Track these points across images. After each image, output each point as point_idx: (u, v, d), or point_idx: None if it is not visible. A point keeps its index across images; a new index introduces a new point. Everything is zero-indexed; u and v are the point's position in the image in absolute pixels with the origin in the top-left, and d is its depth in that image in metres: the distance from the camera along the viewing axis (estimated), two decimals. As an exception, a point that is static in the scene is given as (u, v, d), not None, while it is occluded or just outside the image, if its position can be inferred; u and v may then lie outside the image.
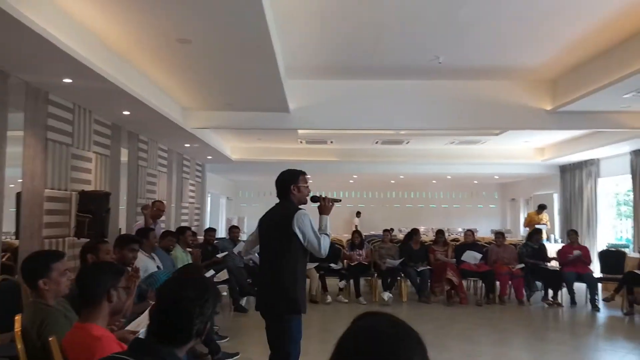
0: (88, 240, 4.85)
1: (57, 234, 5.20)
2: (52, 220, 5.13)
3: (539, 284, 7.89)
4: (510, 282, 7.71)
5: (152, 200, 6.42)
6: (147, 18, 3.94)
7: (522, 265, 7.78)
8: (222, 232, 12.83)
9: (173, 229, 8.57)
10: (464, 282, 7.94)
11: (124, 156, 7.07)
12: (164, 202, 7.00)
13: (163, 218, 8.21)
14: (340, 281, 7.90)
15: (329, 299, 7.73)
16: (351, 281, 7.80)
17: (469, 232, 8.60)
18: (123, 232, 7.15)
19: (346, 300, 7.65)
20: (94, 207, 5.37)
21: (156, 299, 1.60)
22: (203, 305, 1.54)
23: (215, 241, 7.75)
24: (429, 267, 7.86)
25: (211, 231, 7.41)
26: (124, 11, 3.84)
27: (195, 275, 1.75)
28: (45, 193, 4.98)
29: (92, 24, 4.16)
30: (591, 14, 4.73)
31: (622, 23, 4.94)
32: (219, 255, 6.96)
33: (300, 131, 8.91)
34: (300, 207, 3.15)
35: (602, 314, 7.06)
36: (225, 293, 6.21)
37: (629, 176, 9.42)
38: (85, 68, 4.27)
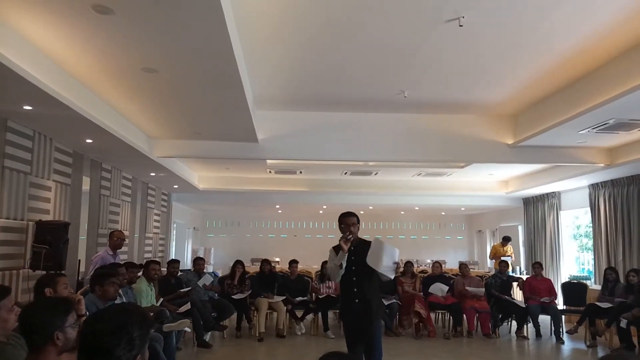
0: (44, 273, 4.64)
1: (11, 265, 4.96)
2: (6, 251, 4.90)
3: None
4: (477, 315, 7.74)
5: (111, 230, 6.21)
6: (112, 46, 3.90)
7: (482, 293, 7.82)
8: (188, 264, 12.52)
9: (136, 260, 8.34)
10: (432, 315, 7.93)
11: (85, 185, 6.87)
12: (124, 232, 6.80)
13: (125, 249, 7.98)
14: (306, 315, 7.79)
15: (303, 329, 7.66)
16: (319, 314, 7.69)
17: (437, 264, 8.64)
18: (82, 264, 6.88)
19: (299, 333, 7.61)
20: (51, 237, 5.15)
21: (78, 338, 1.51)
22: (122, 337, 1.41)
23: (180, 273, 7.53)
24: (397, 300, 7.83)
25: (174, 263, 7.20)
26: (88, 39, 3.78)
27: (116, 305, 1.62)
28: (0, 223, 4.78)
29: (54, 51, 4.08)
30: (549, 52, 4.95)
31: (578, 62, 5.19)
32: (183, 290, 6.76)
33: (269, 161, 8.88)
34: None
35: (567, 346, 7.13)
36: (188, 329, 5.99)
37: (589, 209, 9.72)
38: (46, 95, 4.17)
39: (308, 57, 5.10)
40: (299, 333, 7.63)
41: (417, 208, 14.50)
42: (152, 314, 5.20)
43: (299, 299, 7.84)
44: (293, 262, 8.30)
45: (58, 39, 3.84)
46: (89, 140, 5.93)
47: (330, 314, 7.93)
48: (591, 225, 9.71)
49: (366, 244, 3.84)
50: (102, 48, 3.95)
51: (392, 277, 3.77)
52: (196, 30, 3.53)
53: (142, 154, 6.79)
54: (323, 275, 8.11)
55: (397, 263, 3.75)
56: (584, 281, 8.61)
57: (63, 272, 5.18)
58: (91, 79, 4.72)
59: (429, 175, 10.69)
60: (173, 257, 10.53)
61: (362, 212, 15.73)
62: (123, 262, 5.90)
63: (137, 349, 1.45)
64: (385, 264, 3.68)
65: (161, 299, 5.65)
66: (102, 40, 3.78)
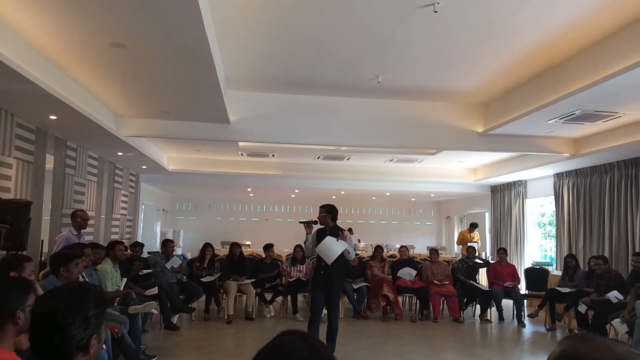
0: (12, 253, 4.49)
1: (-33, 245, 4.76)
2: (-38, 230, 4.69)
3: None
4: (443, 300, 7.92)
5: (74, 210, 6.04)
6: (78, 19, 3.73)
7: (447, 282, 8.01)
8: (157, 246, 12.34)
9: (102, 241, 8.15)
10: (400, 298, 8.07)
11: (49, 163, 6.65)
12: (89, 212, 6.63)
13: (91, 229, 7.80)
14: (276, 297, 7.81)
15: (272, 312, 7.68)
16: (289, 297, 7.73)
17: (404, 249, 8.77)
18: (45, 244, 6.70)
19: (268, 316, 7.64)
20: (12, 216, 4.96)
21: (29, 318, 1.47)
22: (77, 315, 1.38)
23: (147, 255, 7.42)
24: (366, 283, 7.93)
25: (137, 246, 7.08)
26: (51, 10, 3.61)
27: (71, 284, 1.59)
28: (-45, 200, 4.57)
29: (16, 24, 3.89)
30: (519, 43, 5.01)
31: (547, 53, 5.27)
32: (145, 271, 6.66)
33: (241, 144, 8.77)
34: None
35: (528, 329, 7.38)
36: (155, 311, 5.93)
37: (553, 198, 10.01)
38: (7, 68, 3.98)
39: (282, 38, 5.02)
40: (268, 316, 7.66)
41: (388, 194, 14.65)
42: (118, 298, 5.12)
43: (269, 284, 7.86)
44: (269, 246, 8.29)
45: (21, 12, 3.65)
46: (52, 117, 5.71)
47: (300, 297, 7.97)
48: (555, 213, 10.01)
49: (339, 229, 5.22)
50: (67, 20, 3.78)
51: (352, 254, 5.31)
52: (166, 4, 3.41)
53: (108, 132, 6.59)
54: (294, 258, 8.13)
55: (346, 249, 5.10)
56: (546, 267, 8.90)
57: (24, 251, 5.03)
58: (55, 52, 4.53)
59: (400, 162, 10.78)
60: (140, 239, 10.36)
61: (334, 197, 15.84)
62: (88, 242, 5.77)
63: (93, 328, 1.42)
64: (337, 252, 5.04)
65: (124, 279, 5.57)
66: (67, 12, 3.62)
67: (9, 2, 3.53)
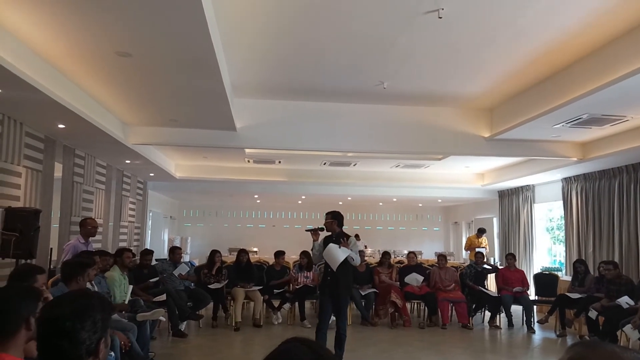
0: (24, 264, 4.52)
1: (-22, 253, 4.81)
2: (-28, 238, 4.74)
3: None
4: (452, 306, 7.86)
5: (84, 218, 6.08)
6: (84, 28, 3.78)
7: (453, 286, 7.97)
8: (165, 253, 12.38)
9: (110, 248, 8.20)
10: (408, 305, 8.02)
11: (58, 171, 6.71)
12: (98, 220, 6.68)
13: (99, 237, 7.84)
14: (283, 304, 7.79)
15: (280, 319, 7.66)
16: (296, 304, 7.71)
17: (412, 254, 8.73)
18: (55, 252, 6.74)
19: (275, 323, 7.60)
20: (21, 225, 5.01)
21: (36, 325, 1.48)
22: (85, 320, 1.40)
23: (155, 263, 7.44)
24: (374, 290, 7.90)
25: (147, 254, 7.10)
26: (59, 21, 3.66)
27: (76, 291, 1.61)
28: (-35, 209, 4.62)
29: (24, 33, 3.94)
30: (525, 47, 5.00)
31: (553, 57, 5.26)
32: (152, 280, 6.68)
33: (247, 150, 8.81)
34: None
35: (537, 335, 7.31)
36: (162, 318, 5.94)
37: (561, 202, 9.93)
38: (16, 78, 4.03)
39: (287, 45, 5.05)
40: (276, 323, 7.65)
41: (395, 199, 14.60)
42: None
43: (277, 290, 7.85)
44: (279, 254, 8.29)
45: (28, 20, 3.70)
46: (61, 126, 5.77)
47: (307, 303, 7.95)
48: (563, 218, 9.93)
49: (345, 235, 5.28)
50: (75, 30, 3.82)
51: (358, 260, 5.31)
52: (172, 13, 3.44)
53: (116, 140, 6.64)
54: (301, 265, 8.12)
55: (349, 255, 5.08)
56: (556, 272, 8.82)
57: (34, 259, 5.07)
58: (63, 62, 4.58)
59: (407, 167, 10.76)
60: (148, 247, 10.40)
61: (340, 203, 15.82)
62: (96, 250, 5.80)
63: (100, 332, 1.44)
64: (340, 258, 5.03)
65: (130, 287, 5.59)
66: (75, 21, 3.66)
67: (16, 12, 3.58)
